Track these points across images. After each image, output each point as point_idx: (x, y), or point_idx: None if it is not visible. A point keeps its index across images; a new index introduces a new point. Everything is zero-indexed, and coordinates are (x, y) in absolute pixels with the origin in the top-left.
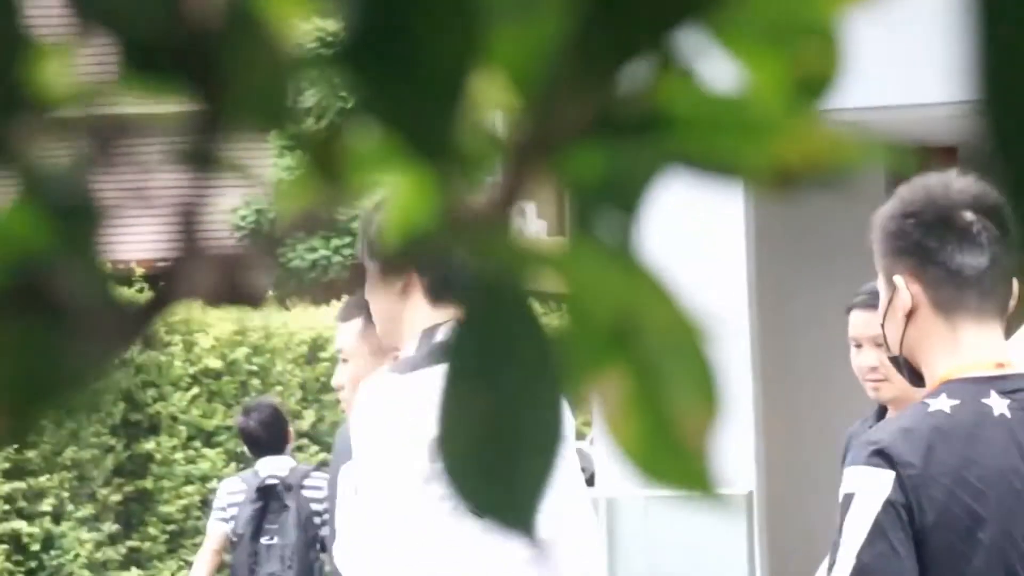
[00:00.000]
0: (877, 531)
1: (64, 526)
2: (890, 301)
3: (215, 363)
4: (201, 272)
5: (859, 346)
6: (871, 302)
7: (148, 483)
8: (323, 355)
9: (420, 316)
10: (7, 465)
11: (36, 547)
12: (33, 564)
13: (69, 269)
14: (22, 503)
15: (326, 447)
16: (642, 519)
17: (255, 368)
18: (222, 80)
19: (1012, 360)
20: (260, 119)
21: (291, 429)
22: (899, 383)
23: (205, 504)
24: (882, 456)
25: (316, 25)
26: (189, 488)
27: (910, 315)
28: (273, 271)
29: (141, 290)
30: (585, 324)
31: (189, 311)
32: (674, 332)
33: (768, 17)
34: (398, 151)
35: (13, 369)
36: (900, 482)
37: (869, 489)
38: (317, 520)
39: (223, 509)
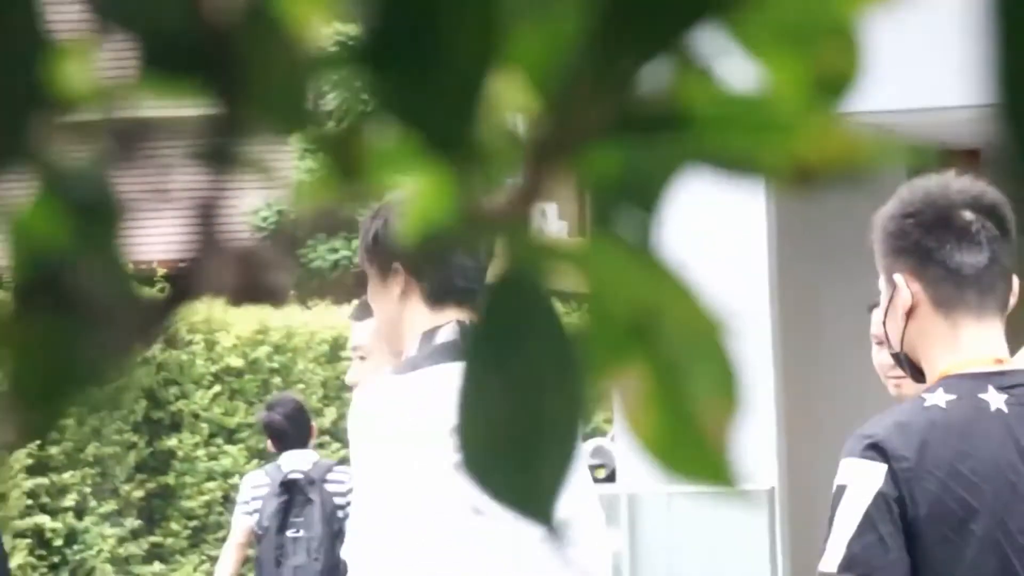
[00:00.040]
0: (867, 523)
1: (87, 521)
2: (891, 299)
3: (237, 361)
4: (222, 271)
5: (880, 344)
6: None
7: (170, 479)
8: (344, 354)
9: (419, 319)
10: (30, 461)
11: (59, 542)
12: (56, 559)
13: (91, 267)
14: (45, 499)
15: (347, 444)
16: (664, 515)
17: (276, 366)
18: (242, 81)
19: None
20: (280, 120)
21: (314, 424)
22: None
23: (227, 500)
24: (876, 449)
25: (336, 26)
26: (211, 484)
27: (910, 313)
28: (294, 270)
29: (162, 289)
30: (606, 321)
31: (211, 310)
32: (695, 328)
33: (788, 17)
34: (418, 151)
35: (36, 366)
36: (892, 475)
37: (861, 481)
38: (341, 514)
39: (247, 503)
